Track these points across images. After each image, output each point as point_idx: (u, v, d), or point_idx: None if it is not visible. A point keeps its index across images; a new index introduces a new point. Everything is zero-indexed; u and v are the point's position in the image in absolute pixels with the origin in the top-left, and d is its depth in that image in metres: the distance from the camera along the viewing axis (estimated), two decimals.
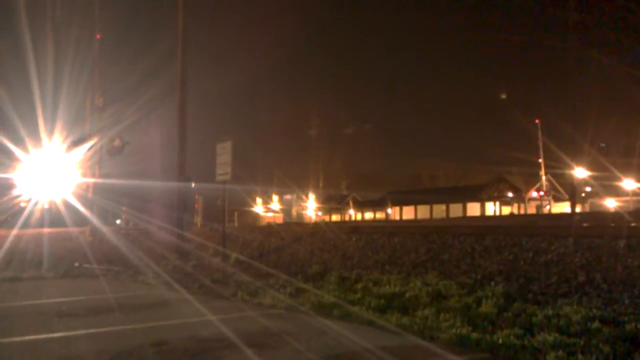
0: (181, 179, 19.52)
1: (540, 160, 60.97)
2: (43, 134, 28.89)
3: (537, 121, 60.12)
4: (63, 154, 29.01)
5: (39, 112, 28.91)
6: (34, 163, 29.84)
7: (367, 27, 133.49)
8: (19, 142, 28.52)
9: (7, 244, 20.22)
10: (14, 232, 23.44)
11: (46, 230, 26.38)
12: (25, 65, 29.73)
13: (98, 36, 27.19)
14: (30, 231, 25.42)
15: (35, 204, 30.17)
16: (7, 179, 32.02)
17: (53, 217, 29.61)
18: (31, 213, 29.81)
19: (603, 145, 54.82)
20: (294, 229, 20.12)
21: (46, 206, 30.06)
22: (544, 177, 62.26)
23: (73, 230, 25.53)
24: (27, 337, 7.70)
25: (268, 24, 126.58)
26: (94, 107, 27.14)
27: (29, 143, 29.18)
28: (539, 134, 59.45)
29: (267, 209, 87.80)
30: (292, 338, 7.44)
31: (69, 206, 27.66)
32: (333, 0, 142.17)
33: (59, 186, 29.05)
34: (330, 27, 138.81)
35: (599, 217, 21.63)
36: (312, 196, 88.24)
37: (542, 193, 63.29)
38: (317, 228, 19.24)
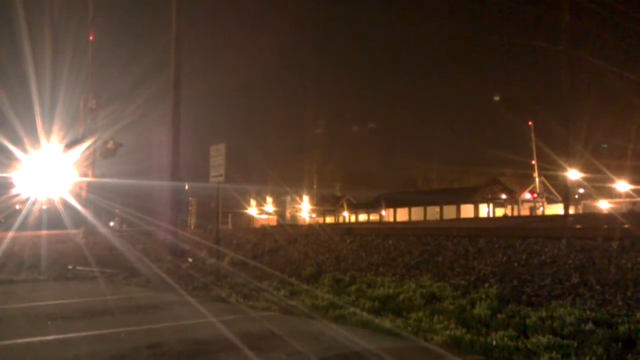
0: (175, 181, 19.50)
1: (534, 162, 61.10)
2: (41, 134, 28.87)
3: (530, 123, 60.24)
4: (60, 155, 28.97)
5: (37, 111, 28.93)
6: (31, 163, 29.77)
7: (362, 29, 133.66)
8: (17, 141, 28.49)
9: (2, 247, 20.16)
10: (10, 234, 23.38)
11: (42, 232, 26.30)
12: (23, 65, 29.76)
13: (91, 38, 27.23)
14: (27, 233, 25.34)
15: (33, 203, 30.12)
16: (4, 179, 31.94)
17: (50, 217, 29.58)
18: (27, 215, 29.77)
19: (605, 145, 55.00)
20: (288, 231, 20.12)
21: (44, 207, 30.00)
22: (537, 179, 62.42)
23: (68, 232, 25.48)
24: (20, 340, 7.67)
25: (263, 24, 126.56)
26: (87, 108, 27.11)
27: (27, 143, 29.14)
28: (532, 135, 59.58)
29: (261, 211, 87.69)
30: (287, 340, 7.43)
31: (64, 208, 27.62)
32: (329, 2, 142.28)
33: (54, 187, 29.00)
34: (325, 28, 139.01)
35: (592, 218, 21.69)
36: (306, 198, 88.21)
37: (535, 195, 63.44)
38: (311, 230, 19.26)
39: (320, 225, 29.46)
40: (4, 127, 28.67)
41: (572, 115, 38.47)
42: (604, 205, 58.91)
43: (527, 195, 65.98)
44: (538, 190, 63.01)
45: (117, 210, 43.27)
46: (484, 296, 9.26)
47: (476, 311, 8.40)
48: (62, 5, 30.87)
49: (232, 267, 15.09)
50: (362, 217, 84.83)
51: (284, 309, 9.70)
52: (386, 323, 8.10)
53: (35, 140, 29.14)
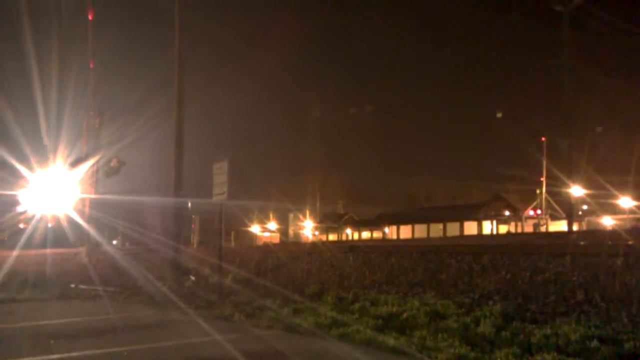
0: (178, 198, 19.50)
1: (543, 179, 60.53)
2: (47, 152, 28.99)
3: (542, 139, 59.17)
4: (65, 173, 29.05)
5: (43, 129, 29.09)
6: (37, 181, 29.85)
7: (362, 43, 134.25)
8: (23, 160, 28.58)
9: (5, 266, 20.15)
10: (15, 253, 23.40)
11: (46, 250, 26.30)
12: (29, 84, 30.01)
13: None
14: (31, 252, 25.35)
15: (38, 221, 30.13)
16: (11, 196, 32.00)
17: (54, 235, 29.59)
18: (32, 233, 29.77)
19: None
20: (291, 248, 20.07)
21: (49, 225, 30.02)
22: (544, 196, 62.10)
23: (72, 250, 25.49)
24: None
25: (268, 42, 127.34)
26: (90, 127, 27.27)
27: (33, 161, 29.25)
28: (544, 152, 58.61)
29: (264, 228, 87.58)
30: (291, 358, 7.40)
31: (68, 225, 27.64)
32: (326, 18, 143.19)
33: (59, 205, 29.03)
34: (327, 42, 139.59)
35: (596, 235, 21.63)
36: (308, 215, 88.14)
37: (539, 211, 63.26)
38: (314, 248, 19.19)
39: (323, 242, 29.43)
40: (11, 145, 28.82)
41: (575, 130, 38.46)
42: (607, 221, 58.68)
43: (530, 212, 65.85)
44: (543, 207, 62.81)
45: (119, 228, 43.29)
46: (488, 314, 9.22)
47: (480, 329, 8.37)
48: (68, 24, 31.18)
49: (236, 285, 15.05)
50: (365, 235, 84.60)
51: (287, 327, 9.67)
52: (390, 341, 8.06)
53: (42, 158, 29.27)
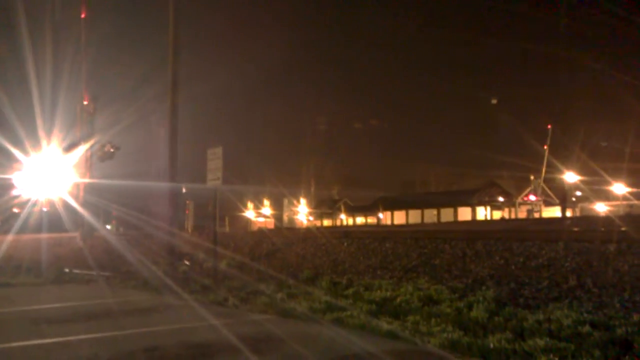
0: (172, 183, 19.45)
1: (543, 166, 60.30)
2: (41, 136, 28.88)
3: (549, 127, 58.54)
4: (60, 157, 28.94)
5: (38, 113, 28.96)
6: (32, 165, 29.72)
7: (361, 31, 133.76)
8: (17, 143, 28.44)
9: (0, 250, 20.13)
10: (9, 237, 23.37)
11: (41, 235, 26.27)
12: (24, 68, 29.85)
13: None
14: (26, 236, 25.31)
15: (33, 205, 30.05)
16: (4, 180, 31.87)
17: (49, 220, 29.56)
18: (27, 217, 29.71)
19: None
20: (285, 234, 20.11)
21: (44, 209, 29.95)
22: (542, 182, 62.11)
23: (67, 234, 25.48)
24: (17, 344, 7.65)
25: (262, 26, 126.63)
26: (83, 112, 27.19)
27: (27, 145, 29.11)
28: (548, 139, 58.15)
29: (259, 213, 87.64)
30: (284, 343, 7.43)
31: (63, 210, 27.60)
32: (326, 5, 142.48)
33: (54, 189, 28.96)
34: (325, 30, 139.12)
35: (590, 221, 21.72)
36: (303, 201, 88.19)
37: (532, 197, 63.43)
38: (308, 233, 19.25)
39: (317, 228, 29.50)
40: (5, 129, 28.66)
41: (569, 117, 38.51)
42: (601, 208, 58.91)
43: (529, 198, 65.97)
44: (538, 193, 62.94)
45: (114, 212, 43.28)
46: (481, 299, 9.26)
47: (473, 314, 8.41)
48: (63, 10, 31.04)
49: (230, 269, 15.08)
50: (360, 220, 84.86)
51: (281, 311, 9.69)
52: (384, 325, 8.10)
53: (36, 142, 29.15)
